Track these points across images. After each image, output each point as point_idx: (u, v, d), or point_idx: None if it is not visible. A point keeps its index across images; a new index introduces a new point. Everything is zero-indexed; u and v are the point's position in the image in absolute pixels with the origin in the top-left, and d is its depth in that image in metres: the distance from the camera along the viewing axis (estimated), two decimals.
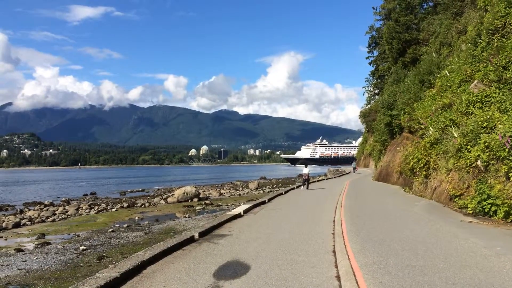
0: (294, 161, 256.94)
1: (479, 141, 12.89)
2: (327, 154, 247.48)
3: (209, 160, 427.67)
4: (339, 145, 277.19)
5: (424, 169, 18.33)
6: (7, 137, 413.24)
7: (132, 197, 44.00)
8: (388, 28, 40.75)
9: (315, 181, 39.46)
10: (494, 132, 12.66)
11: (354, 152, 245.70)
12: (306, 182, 28.09)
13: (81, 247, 15.08)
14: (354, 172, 56.07)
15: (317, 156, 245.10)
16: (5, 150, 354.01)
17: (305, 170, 29.03)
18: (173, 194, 37.28)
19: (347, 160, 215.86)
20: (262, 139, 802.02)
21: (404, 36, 37.65)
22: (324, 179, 43.12)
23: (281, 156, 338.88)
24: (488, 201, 11.58)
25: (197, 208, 29.17)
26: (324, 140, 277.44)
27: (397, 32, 38.21)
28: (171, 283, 6.57)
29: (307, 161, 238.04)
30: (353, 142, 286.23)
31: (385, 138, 38.07)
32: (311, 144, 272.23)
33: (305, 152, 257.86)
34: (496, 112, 13.45)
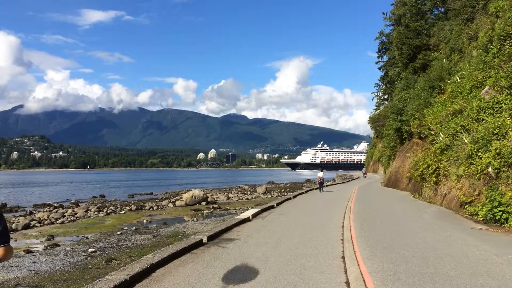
0: (294, 166, 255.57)
1: (490, 148, 12.77)
2: (327, 159, 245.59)
3: (217, 164, 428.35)
4: (340, 150, 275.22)
5: (434, 175, 18.19)
6: (17, 139, 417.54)
7: (140, 200, 44.15)
8: (398, 33, 40.57)
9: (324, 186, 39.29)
10: (505, 138, 12.55)
11: (355, 157, 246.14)
12: (321, 185, 30.26)
13: (90, 249, 15.14)
14: (364, 177, 56.53)
15: (318, 161, 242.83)
16: (15, 152, 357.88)
17: (320, 174, 30.68)
18: (181, 198, 37.34)
19: (348, 166, 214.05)
20: (271, 143, 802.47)
21: (415, 42, 37.47)
22: (332, 184, 42.95)
23: (281, 160, 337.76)
24: (499, 208, 11.46)
25: (205, 211, 29.16)
26: (325, 145, 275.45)
27: (407, 38, 38.03)
28: (180, 287, 6.58)
29: (307, 166, 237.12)
30: (355, 147, 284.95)
31: (394, 143, 37.82)
32: (311, 149, 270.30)
33: (305, 157, 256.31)
34: (507, 118, 13.32)
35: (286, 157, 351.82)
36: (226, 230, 12.21)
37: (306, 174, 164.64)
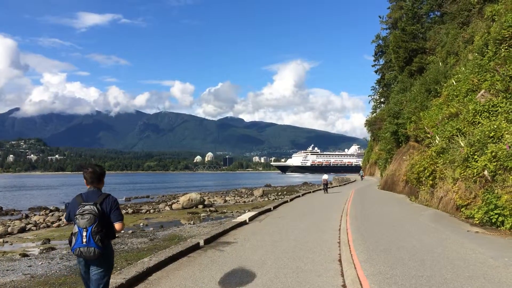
0: (284, 169, 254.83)
1: (486, 151, 12.82)
2: (318, 162, 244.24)
3: (214, 167, 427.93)
4: (331, 153, 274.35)
5: (430, 178, 18.24)
6: (13, 142, 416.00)
7: (137, 203, 43.99)
8: (394, 37, 40.74)
9: (320, 189, 39.34)
10: (501, 142, 12.60)
11: (346, 160, 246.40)
12: (325, 187, 33.57)
13: None
14: (361, 179, 57.42)
15: (308, 164, 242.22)
16: (11, 155, 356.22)
17: (325, 176, 34.72)
18: (178, 201, 37.24)
19: (339, 169, 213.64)
20: (267, 146, 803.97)
21: (411, 45, 37.61)
22: (328, 187, 42.94)
23: (271, 163, 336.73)
24: (495, 211, 11.49)
25: (202, 215, 29.10)
26: (316, 148, 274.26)
27: (404, 41, 38.18)
28: None
29: (298, 169, 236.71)
30: (346, 150, 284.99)
31: (391, 146, 37.97)
32: (302, 152, 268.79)
33: (296, 160, 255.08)
34: (503, 121, 13.39)
35: (283, 160, 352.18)
36: (223, 233, 12.18)
37: (297, 177, 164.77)
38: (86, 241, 4.39)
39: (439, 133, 18.91)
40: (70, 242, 4.53)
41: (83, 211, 4.49)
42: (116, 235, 4.83)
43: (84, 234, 4.40)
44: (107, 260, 4.70)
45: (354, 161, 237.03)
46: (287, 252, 9.30)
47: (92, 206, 4.51)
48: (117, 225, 4.69)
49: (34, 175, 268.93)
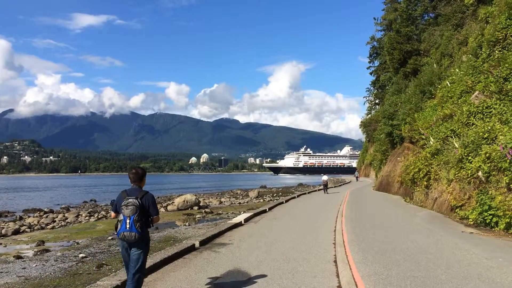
0: (277, 170, 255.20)
1: (480, 152, 12.90)
2: (310, 163, 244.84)
3: (209, 168, 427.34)
4: (323, 154, 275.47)
5: (425, 179, 18.32)
6: (7, 143, 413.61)
7: None
8: (389, 38, 40.88)
9: (315, 191, 39.46)
10: (495, 143, 12.68)
11: (338, 161, 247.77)
12: (325, 187, 34.82)
13: (81, 255, 14.99)
14: (356, 181, 57.78)
15: (301, 165, 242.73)
16: (5, 157, 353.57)
17: (325, 177, 35.96)
18: (173, 202, 37.15)
19: (331, 170, 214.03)
20: (263, 147, 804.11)
21: (405, 47, 37.76)
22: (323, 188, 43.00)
23: (264, 165, 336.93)
24: (489, 212, 11.56)
25: (197, 216, 29.02)
26: (308, 149, 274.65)
27: (398, 43, 38.32)
28: None
29: (290, 171, 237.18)
30: (338, 151, 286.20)
31: (386, 148, 38.07)
32: (294, 153, 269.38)
33: (288, 161, 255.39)
34: (497, 123, 13.47)
35: (278, 161, 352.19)
36: (219, 234, 12.17)
37: (290, 178, 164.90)
38: (129, 227, 5.37)
39: (433, 134, 18.99)
40: (116, 228, 5.55)
41: (127, 203, 5.47)
42: (152, 226, 5.83)
43: (128, 221, 5.39)
44: (145, 243, 5.68)
45: (346, 162, 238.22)
46: (282, 253, 9.31)
47: (134, 200, 5.50)
48: (155, 218, 5.73)
49: (28, 176, 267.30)
